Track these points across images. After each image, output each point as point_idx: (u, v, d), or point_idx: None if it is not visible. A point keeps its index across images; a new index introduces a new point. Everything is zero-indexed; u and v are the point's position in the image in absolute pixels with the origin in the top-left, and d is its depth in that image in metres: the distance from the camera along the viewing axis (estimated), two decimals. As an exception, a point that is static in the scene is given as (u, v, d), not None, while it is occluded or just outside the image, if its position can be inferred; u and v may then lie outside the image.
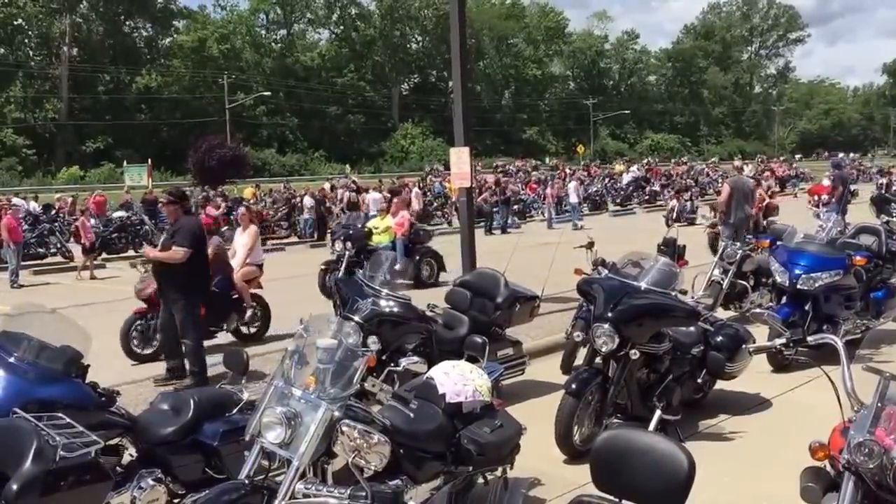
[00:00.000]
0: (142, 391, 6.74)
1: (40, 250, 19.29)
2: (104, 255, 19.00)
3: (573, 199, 25.87)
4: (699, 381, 6.24)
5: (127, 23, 68.35)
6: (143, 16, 68.00)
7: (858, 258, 7.96)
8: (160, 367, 7.92)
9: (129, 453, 4.21)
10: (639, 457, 2.72)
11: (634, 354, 5.51)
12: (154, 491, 4.08)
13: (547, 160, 62.42)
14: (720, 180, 33.56)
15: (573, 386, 5.51)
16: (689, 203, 25.16)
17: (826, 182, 21.84)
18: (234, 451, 4.10)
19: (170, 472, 4.18)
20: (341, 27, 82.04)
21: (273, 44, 79.86)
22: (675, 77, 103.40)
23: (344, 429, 3.47)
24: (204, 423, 4.24)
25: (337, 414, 3.50)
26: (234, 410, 4.28)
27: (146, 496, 4.05)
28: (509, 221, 24.98)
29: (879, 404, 3.10)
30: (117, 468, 4.07)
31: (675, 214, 23.21)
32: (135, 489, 4.03)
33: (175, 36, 70.05)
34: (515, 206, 27.10)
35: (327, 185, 28.19)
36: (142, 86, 64.41)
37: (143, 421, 4.27)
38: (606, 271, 6.38)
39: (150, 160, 36.25)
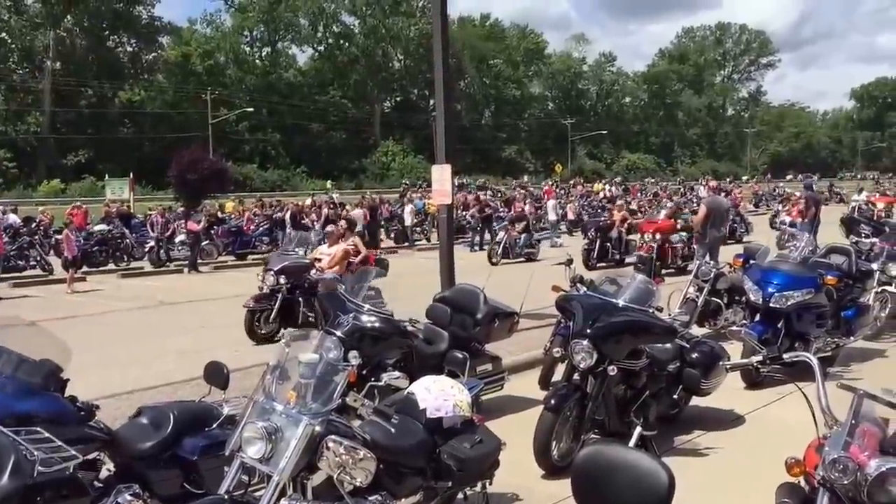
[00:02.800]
0: (121, 405, 6.69)
1: (20, 263, 19.17)
2: (85, 269, 18.89)
3: (552, 216, 26.02)
4: (675, 396, 6.31)
5: (111, 37, 68.40)
6: (127, 31, 67.97)
7: (829, 277, 8.11)
8: (138, 380, 7.89)
9: (108, 468, 4.17)
10: (620, 472, 2.69)
11: (612, 370, 5.57)
12: (132, 506, 4.05)
13: (525, 178, 62.80)
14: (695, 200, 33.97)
15: (552, 401, 5.55)
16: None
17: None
18: (214, 465, 4.08)
19: (148, 486, 4.14)
20: (325, 45, 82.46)
21: (257, 60, 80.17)
22: (651, 99, 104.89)
23: (330, 444, 3.49)
24: (183, 438, 4.22)
25: (318, 429, 3.51)
26: (215, 425, 4.28)
27: (124, 511, 4.02)
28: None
29: (854, 421, 3.15)
30: (95, 483, 4.04)
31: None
32: (112, 504, 4.00)
33: (159, 51, 70.00)
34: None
35: (308, 200, 28.20)
36: (125, 100, 64.39)
37: (121, 435, 4.24)
38: (585, 288, 6.44)
39: (131, 174, 36.07)
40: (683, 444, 6.21)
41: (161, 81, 67.94)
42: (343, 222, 13.27)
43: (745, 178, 53.95)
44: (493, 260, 19.42)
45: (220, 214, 27.17)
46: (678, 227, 17.20)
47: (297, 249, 11.49)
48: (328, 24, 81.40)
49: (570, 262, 7.40)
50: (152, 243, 21.63)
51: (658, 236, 16.18)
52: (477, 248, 23.55)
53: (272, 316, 10.56)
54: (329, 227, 13.42)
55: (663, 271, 15.10)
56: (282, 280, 10.59)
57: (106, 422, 4.40)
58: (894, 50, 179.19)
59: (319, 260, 11.23)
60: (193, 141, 47.99)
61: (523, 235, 21.14)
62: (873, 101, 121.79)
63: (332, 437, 3.50)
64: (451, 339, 6.68)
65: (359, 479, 3.54)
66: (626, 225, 19.53)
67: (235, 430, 3.62)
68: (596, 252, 18.39)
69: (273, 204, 28.30)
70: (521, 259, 20.76)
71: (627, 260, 17.91)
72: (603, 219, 21.79)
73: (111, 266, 20.81)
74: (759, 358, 4.25)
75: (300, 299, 10.62)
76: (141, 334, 11.74)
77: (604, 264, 17.63)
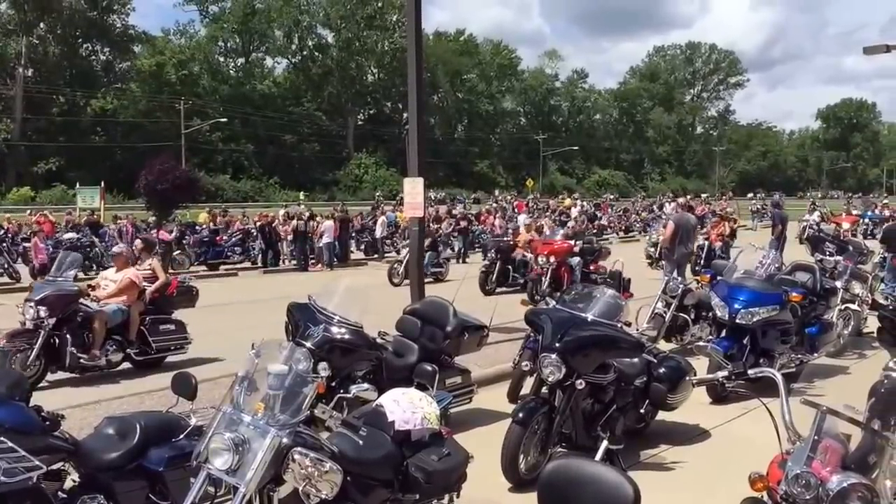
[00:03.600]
0: (87, 415, 6.61)
1: (-14, 270, 18.78)
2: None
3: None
4: (642, 411, 6.37)
5: (84, 45, 68.07)
6: (101, 39, 67.73)
7: (794, 294, 8.26)
8: (104, 390, 7.80)
9: (72, 479, 4.12)
10: (585, 486, 2.71)
11: (580, 384, 5.62)
12: (95, 518, 4.01)
13: (497, 193, 63.11)
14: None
15: (520, 415, 5.59)
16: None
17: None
18: (180, 477, 4.05)
19: (113, 498, 4.09)
20: (299, 57, 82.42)
21: (231, 71, 79.89)
22: (622, 116, 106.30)
23: (296, 456, 3.48)
24: (150, 449, 4.18)
25: (286, 441, 3.51)
26: (182, 436, 4.25)
27: (87, 523, 3.97)
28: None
29: (816, 437, 3.19)
30: (59, 494, 4.00)
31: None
32: (76, 515, 3.96)
33: (133, 60, 69.52)
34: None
35: (282, 212, 28.00)
36: (97, 108, 63.71)
37: (86, 446, 4.19)
38: (554, 302, 6.50)
39: (102, 183, 35.67)
40: (650, 458, 6.27)
41: (134, 90, 67.44)
42: (139, 242, 11.55)
43: (704, 195, 54.75)
44: (395, 280, 17.23)
45: (198, 226, 26.93)
46: (576, 248, 15.78)
47: (66, 274, 9.29)
48: (303, 37, 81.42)
49: (540, 276, 7.43)
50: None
51: (553, 259, 14.93)
52: (458, 260, 23.58)
53: (31, 357, 8.44)
54: (117, 248, 11.03)
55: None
56: (42, 312, 8.56)
57: (72, 432, 4.35)
58: (859, 72, 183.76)
59: (95, 288, 9.57)
60: (166, 150, 47.66)
61: (428, 254, 18.40)
62: (839, 121, 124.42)
63: (298, 449, 3.49)
64: (420, 352, 6.70)
65: (324, 492, 3.52)
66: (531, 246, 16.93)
67: (202, 440, 3.60)
68: (495, 275, 16.64)
69: (233, 219, 27.82)
70: (429, 279, 17.54)
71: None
72: (505, 239, 19.57)
73: (80, 275, 20.47)
74: (725, 373, 4.31)
75: (68, 336, 8.74)
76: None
77: (504, 289, 16.38)
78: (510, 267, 16.91)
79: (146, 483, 4.19)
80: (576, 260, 15.45)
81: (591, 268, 15.70)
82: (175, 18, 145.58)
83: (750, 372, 4.21)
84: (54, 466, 4.00)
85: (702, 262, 17.05)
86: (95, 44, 68.72)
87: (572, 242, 15.90)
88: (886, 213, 33.73)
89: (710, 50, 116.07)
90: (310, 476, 3.48)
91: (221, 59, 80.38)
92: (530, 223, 19.79)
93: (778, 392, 3.53)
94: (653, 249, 20.02)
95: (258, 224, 24.08)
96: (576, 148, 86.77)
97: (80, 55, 67.43)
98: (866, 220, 27.71)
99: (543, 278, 14.68)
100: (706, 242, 18.37)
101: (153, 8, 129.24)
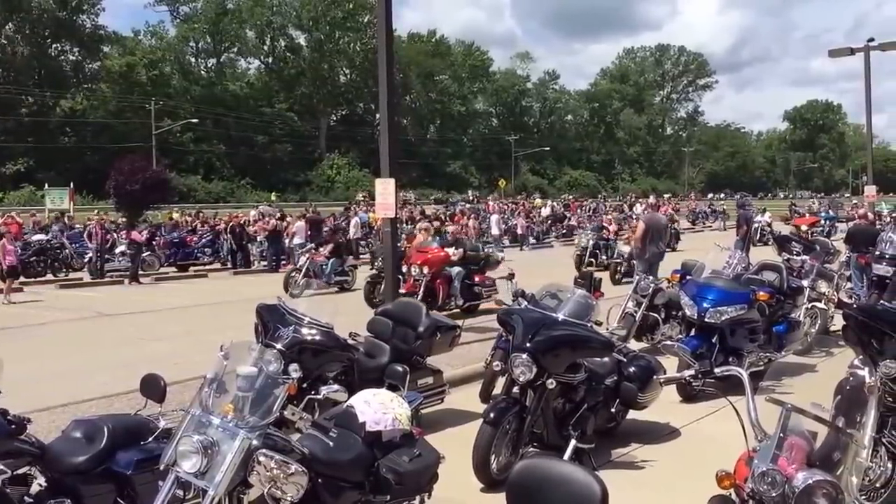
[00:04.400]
0: (55, 418, 6.52)
1: (-48, 272, 18.41)
2: (22, 279, 18.36)
3: (495, 231, 26.23)
4: (612, 410, 6.41)
5: (54, 46, 67.21)
6: (70, 39, 66.86)
7: (762, 293, 8.35)
8: (73, 393, 7.70)
9: (39, 483, 4.07)
10: (554, 486, 2.71)
11: (551, 384, 5.64)
12: (61, 522, 3.95)
13: (469, 193, 63.27)
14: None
15: (491, 415, 5.59)
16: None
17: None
18: (149, 480, 4.01)
19: (80, 502, 4.04)
20: (271, 58, 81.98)
21: (202, 71, 79.24)
22: (592, 117, 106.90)
23: (261, 458, 3.45)
24: (118, 452, 4.13)
25: (255, 442, 3.49)
26: (150, 439, 4.20)
27: (53, 528, 3.92)
28: None
29: (782, 434, 3.22)
30: (25, 498, 3.95)
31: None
32: (42, 520, 3.90)
33: (103, 60, 68.73)
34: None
35: (253, 213, 27.86)
36: (67, 109, 62.85)
37: (53, 449, 4.13)
38: (526, 302, 6.52)
39: (71, 184, 35.23)
40: (620, 457, 6.31)
41: (104, 90, 66.67)
42: None
43: (667, 195, 55.38)
44: (295, 292, 14.82)
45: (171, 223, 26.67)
46: (455, 257, 13.60)
47: None
48: (275, 38, 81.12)
49: (511, 276, 7.47)
50: (91, 254, 21.11)
51: (427, 270, 13.00)
52: None
53: None
54: None
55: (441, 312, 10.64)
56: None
57: (38, 435, 4.30)
58: (826, 74, 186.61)
59: None
60: (137, 151, 47.15)
61: (331, 261, 17.84)
62: (805, 123, 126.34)
63: (263, 451, 3.47)
64: (392, 353, 6.68)
65: (289, 494, 3.50)
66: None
67: (170, 443, 3.57)
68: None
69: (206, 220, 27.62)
70: (334, 289, 17.52)
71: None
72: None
73: (49, 277, 20.30)
74: (692, 372, 4.36)
75: None
76: (78, 346, 11.46)
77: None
78: (400, 277, 13.93)
79: (114, 487, 4.15)
80: (456, 270, 13.48)
81: (477, 279, 13.80)
82: (145, 19, 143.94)
83: (716, 370, 4.26)
84: (20, 471, 3.96)
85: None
86: (65, 44, 67.96)
87: (451, 251, 13.75)
88: (858, 212, 34.17)
89: (679, 52, 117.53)
90: (275, 478, 3.45)
91: (193, 60, 79.93)
92: (427, 226, 16.73)
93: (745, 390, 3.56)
94: (579, 252, 20.41)
95: (229, 225, 23.89)
96: (547, 148, 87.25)
97: (50, 55, 66.66)
98: (825, 221, 28.17)
99: (417, 293, 12.48)
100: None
101: (123, 8, 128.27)
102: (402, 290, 11.65)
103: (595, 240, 21.20)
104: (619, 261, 18.15)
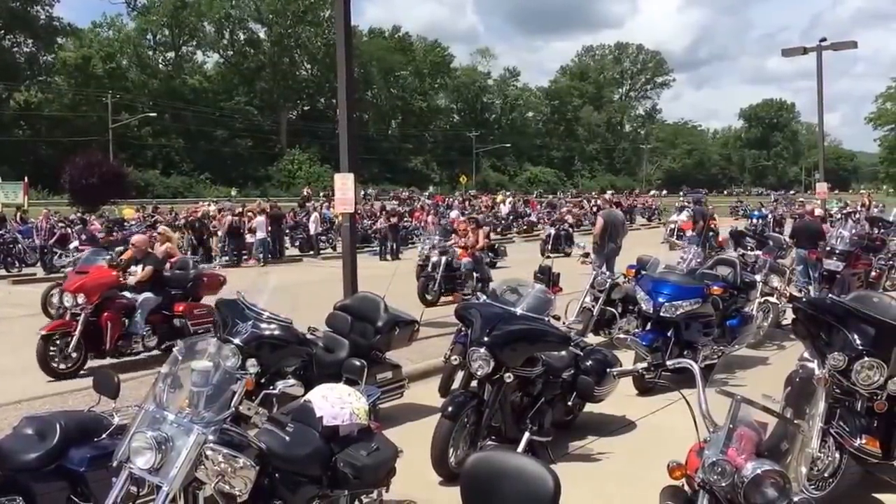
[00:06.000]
0: (7, 415, 6.39)
1: None
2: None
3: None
4: (570, 403, 6.48)
5: (7, 37, 65.60)
6: (24, 31, 65.31)
7: (715, 288, 8.50)
8: (25, 390, 7.56)
9: (-12, 481, 4.00)
10: (507, 478, 2.75)
11: (509, 378, 5.69)
12: (13, 521, 3.89)
13: (431, 189, 63.32)
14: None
15: (449, 409, 5.62)
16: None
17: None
18: (102, 477, 3.95)
19: (32, 500, 3.97)
20: (231, 51, 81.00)
21: (160, 65, 77.98)
22: (553, 114, 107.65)
23: (208, 453, 3.43)
24: (70, 449, 4.08)
25: (211, 438, 3.46)
26: (104, 435, 4.15)
27: (4, 526, 3.86)
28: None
29: (731, 425, 3.29)
30: (-25, 496, 3.87)
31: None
32: (-8, 519, 3.84)
33: (58, 52, 67.30)
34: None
35: (213, 207, 27.44)
36: (21, 102, 61.45)
37: (4, 446, 4.06)
38: (485, 297, 6.56)
39: (26, 178, 34.46)
40: (577, 449, 6.39)
41: (59, 83, 65.29)
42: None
43: (609, 193, 56.03)
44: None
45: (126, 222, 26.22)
46: (136, 278, 9.57)
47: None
48: (234, 31, 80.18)
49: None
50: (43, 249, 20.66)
51: (86, 300, 8.93)
52: (389, 256, 23.57)
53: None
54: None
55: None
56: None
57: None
58: (782, 73, 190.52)
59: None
60: (93, 145, 46.34)
61: None
62: (760, 121, 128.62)
63: (210, 445, 3.44)
64: (351, 348, 6.67)
65: (237, 488, 3.47)
66: None
67: (124, 439, 3.53)
68: None
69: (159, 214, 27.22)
70: None
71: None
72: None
73: (2, 272, 19.87)
74: (644, 365, 4.44)
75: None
76: (31, 342, 11.19)
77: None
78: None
79: (67, 484, 4.09)
80: (142, 297, 9.49)
81: (181, 308, 9.77)
82: (102, 10, 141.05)
83: (668, 363, 4.34)
84: (-31, 469, 3.87)
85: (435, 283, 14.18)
86: (18, 35, 66.34)
87: (136, 269, 9.69)
88: (806, 209, 34.60)
89: (637, 50, 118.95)
90: (223, 472, 3.43)
91: (150, 53, 78.58)
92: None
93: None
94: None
95: (189, 219, 23.57)
96: (508, 145, 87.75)
97: (2, 47, 65.01)
98: (754, 220, 27.86)
99: (71, 332, 8.90)
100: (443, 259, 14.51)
101: (79, 0, 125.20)
102: (42, 331, 8.82)
103: (556, 231, 23.85)
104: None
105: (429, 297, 13.96)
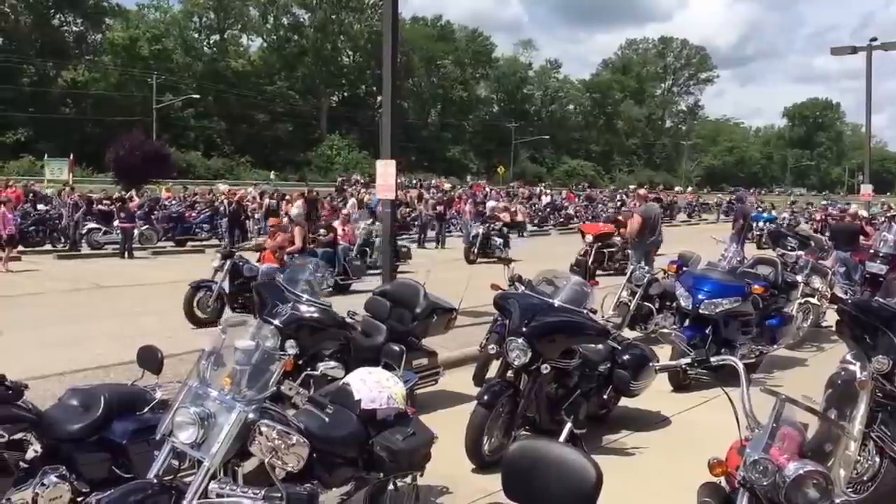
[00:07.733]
0: (51, 386, 6.54)
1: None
2: (20, 248, 18.44)
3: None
4: (605, 396, 6.46)
5: (56, 16, 66.74)
6: (73, 10, 66.39)
7: (757, 287, 8.40)
8: (70, 362, 7.73)
9: (34, 449, 4.08)
10: (549, 467, 2.76)
11: (545, 369, 5.68)
12: (57, 488, 3.98)
13: (469, 179, 63.22)
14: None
15: (485, 397, 5.63)
16: None
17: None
18: (144, 450, 4.05)
19: (75, 469, 4.08)
20: (274, 36, 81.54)
21: (205, 47, 78.79)
22: (593, 107, 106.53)
23: (263, 429, 3.48)
24: (113, 421, 4.17)
25: (252, 416, 3.50)
26: (146, 409, 4.23)
27: (49, 493, 3.95)
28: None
29: (775, 424, 3.25)
30: (21, 463, 3.97)
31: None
32: (37, 486, 3.93)
33: (105, 33, 68.30)
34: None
35: (252, 190, 27.71)
36: (68, 80, 62.48)
37: (49, 416, 4.16)
38: (523, 288, 6.54)
39: (71, 154, 35.03)
40: (611, 443, 6.37)
41: (106, 63, 66.28)
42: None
43: (643, 189, 55.13)
44: None
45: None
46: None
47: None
48: (278, 16, 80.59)
49: (508, 261, 7.49)
50: (91, 224, 21.08)
51: None
52: (435, 244, 23.60)
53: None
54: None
55: None
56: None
57: (35, 402, 4.32)
58: (829, 72, 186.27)
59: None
60: (137, 125, 46.97)
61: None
62: (804, 120, 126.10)
63: (265, 421, 3.50)
64: (388, 333, 6.72)
65: (290, 465, 3.53)
66: None
67: (167, 414, 3.59)
68: None
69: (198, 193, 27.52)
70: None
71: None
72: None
73: (48, 247, 20.36)
74: (688, 360, 4.38)
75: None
76: (75, 316, 11.48)
77: None
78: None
79: (109, 455, 4.18)
80: None
81: None
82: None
83: (712, 359, 4.28)
84: (16, 436, 3.98)
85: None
86: (67, 14, 67.43)
87: None
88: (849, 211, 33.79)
89: (681, 45, 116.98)
90: (276, 448, 3.48)
91: (196, 36, 79.24)
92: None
93: (738, 381, 3.59)
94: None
95: (226, 201, 23.87)
96: (547, 137, 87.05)
97: (52, 26, 66.10)
98: (761, 224, 26.11)
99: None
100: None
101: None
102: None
103: (485, 231, 20.08)
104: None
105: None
